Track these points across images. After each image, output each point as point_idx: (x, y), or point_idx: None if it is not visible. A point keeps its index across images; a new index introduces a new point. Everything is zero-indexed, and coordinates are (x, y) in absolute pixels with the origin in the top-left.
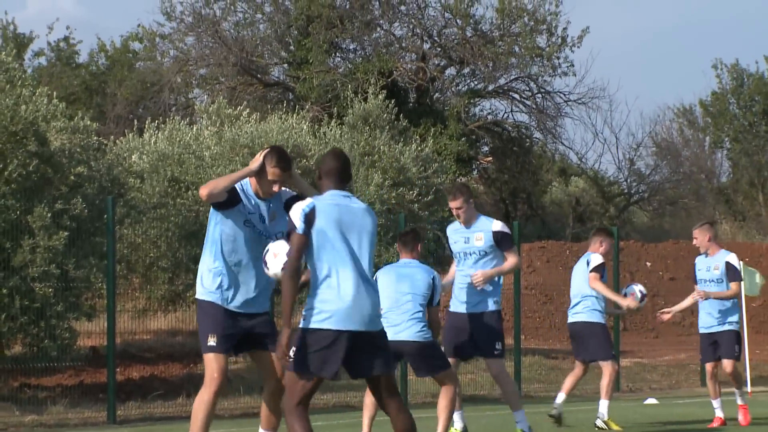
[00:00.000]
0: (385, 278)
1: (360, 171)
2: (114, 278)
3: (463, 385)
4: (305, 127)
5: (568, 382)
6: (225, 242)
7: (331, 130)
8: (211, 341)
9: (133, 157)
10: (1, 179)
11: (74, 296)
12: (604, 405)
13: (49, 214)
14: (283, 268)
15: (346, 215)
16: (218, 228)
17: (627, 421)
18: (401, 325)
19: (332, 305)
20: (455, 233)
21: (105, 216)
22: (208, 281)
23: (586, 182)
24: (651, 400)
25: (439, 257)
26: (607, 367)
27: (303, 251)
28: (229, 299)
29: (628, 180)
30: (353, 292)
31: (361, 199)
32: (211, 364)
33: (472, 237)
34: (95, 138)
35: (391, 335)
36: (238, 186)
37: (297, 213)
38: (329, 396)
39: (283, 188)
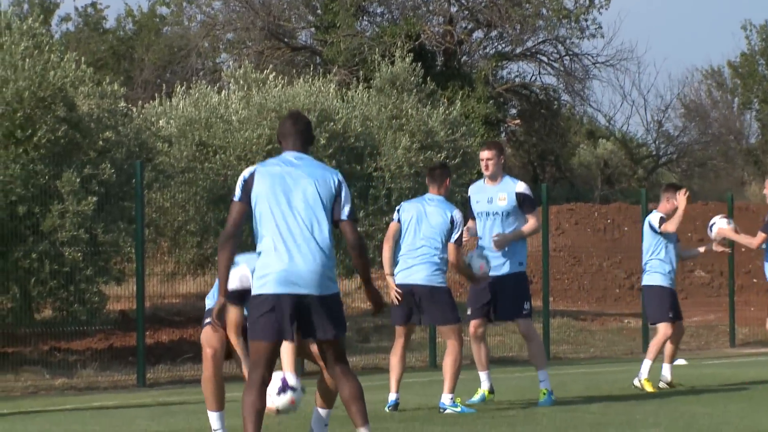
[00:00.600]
0: (406, 215)
1: (388, 134)
2: (143, 242)
3: (491, 347)
4: (332, 90)
5: (666, 349)
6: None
7: (358, 94)
8: (206, 319)
9: (160, 121)
10: (29, 145)
11: (103, 260)
12: (646, 365)
13: (77, 179)
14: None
15: (289, 177)
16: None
17: (653, 380)
18: (414, 267)
19: (270, 269)
20: (478, 192)
21: (133, 180)
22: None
23: (614, 144)
24: (680, 361)
25: (466, 219)
26: (658, 329)
27: (240, 219)
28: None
29: (657, 142)
30: (291, 255)
31: (386, 161)
32: (204, 336)
33: (495, 197)
34: (123, 103)
35: (405, 277)
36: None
37: (239, 180)
38: (358, 358)
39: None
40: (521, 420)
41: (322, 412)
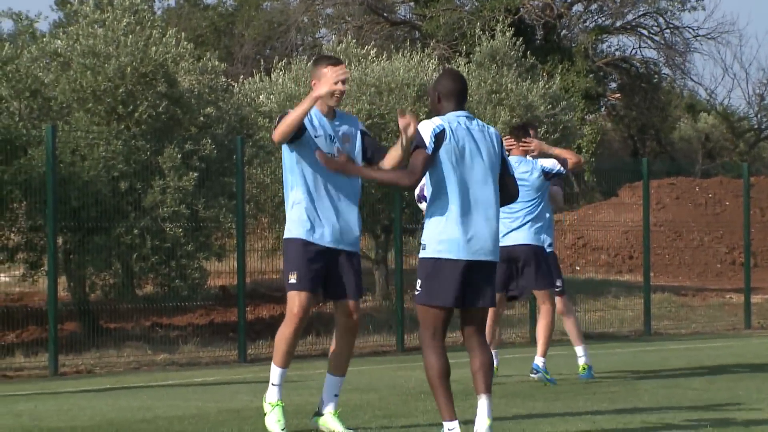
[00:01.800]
0: None
1: (488, 109)
2: (243, 218)
3: (592, 321)
4: (432, 65)
5: None
6: (304, 174)
7: (458, 68)
8: (292, 278)
9: (260, 97)
10: (131, 120)
11: (204, 236)
12: None
13: (179, 155)
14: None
15: (471, 140)
16: (293, 161)
17: (756, 356)
18: (515, 230)
19: (454, 234)
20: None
21: (234, 156)
22: (293, 217)
23: (715, 118)
24: None
25: (567, 195)
26: None
27: (427, 170)
28: (314, 233)
29: (759, 115)
30: (476, 220)
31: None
32: (292, 300)
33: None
34: (223, 79)
35: (505, 241)
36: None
37: (427, 131)
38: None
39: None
40: (622, 396)
41: (333, 379)
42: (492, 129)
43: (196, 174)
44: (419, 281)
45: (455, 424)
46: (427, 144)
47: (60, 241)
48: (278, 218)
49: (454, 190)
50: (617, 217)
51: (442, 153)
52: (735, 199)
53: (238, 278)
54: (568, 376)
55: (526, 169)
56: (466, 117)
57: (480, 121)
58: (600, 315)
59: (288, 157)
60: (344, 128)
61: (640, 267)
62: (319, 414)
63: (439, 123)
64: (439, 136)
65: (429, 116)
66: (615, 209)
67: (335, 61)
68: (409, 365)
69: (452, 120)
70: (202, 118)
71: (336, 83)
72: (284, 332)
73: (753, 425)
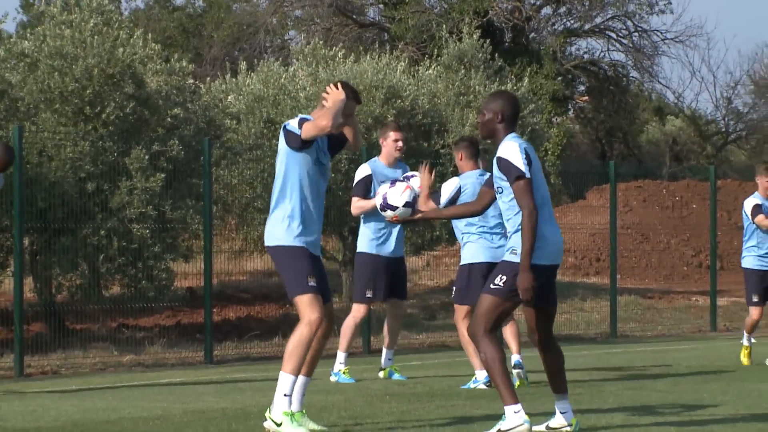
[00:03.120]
0: None
1: (455, 111)
2: (210, 219)
3: (559, 324)
4: (400, 67)
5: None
6: (304, 183)
7: (426, 71)
8: (312, 282)
9: (228, 98)
10: (98, 121)
11: (171, 237)
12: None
13: (146, 156)
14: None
15: (535, 154)
16: (297, 169)
17: (721, 358)
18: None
19: (549, 240)
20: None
21: (201, 157)
22: (293, 225)
23: (683, 121)
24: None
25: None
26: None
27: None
28: (308, 241)
29: (726, 119)
30: (555, 227)
31: (453, 138)
32: (314, 303)
33: None
34: (191, 80)
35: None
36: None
37: (517, 157)
38: (424, 336)
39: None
40: (588, 398)
41: (301, 379)
42: None
43: (163, 175)
44: (504, 278)
45: (519, 406)
46: (524, 170)
47: (26, 242)
48: (245, 219)
49: (544, 203)
50: (584, 219)
51: (534, 170)
52: (702, 202)
53: (205, 279)
54: (534, 377)
55: None
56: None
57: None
58: (566, 317)
59: (289, 164)
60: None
61: (607, 269)
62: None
63: (520, 144)
64: (528, 158)
65: (396, 119)
66: (582, 212)
67: (355, 96)
68: (375, 367)
69: (522, 140)
70: (169, 119)
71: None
72: (302, 336)
73: (716, 427)
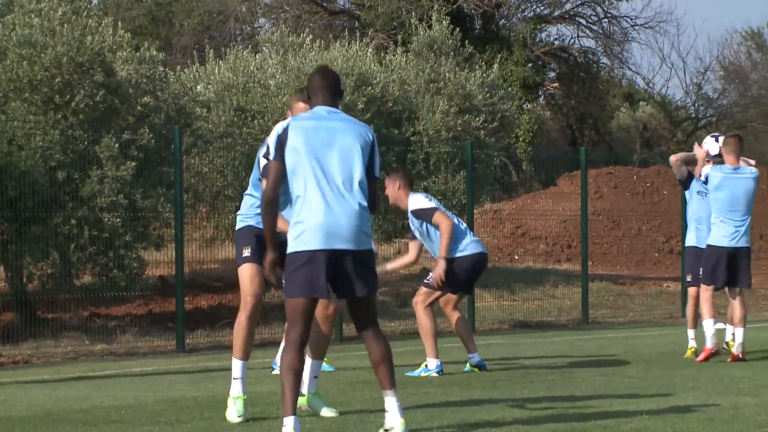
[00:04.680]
0: None
1: (425, 98)
2: (181, 208)
3: (530, 311)
4: (370, 54)
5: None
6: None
7: (395, 58)
8: (246, 252)
9: (198, 87)
10: (68, 110)
11: (142, 226)
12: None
13: (116, 145)
14: None
15: (324, 131)
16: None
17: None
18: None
19: (306, 225)
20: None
21: (172, 146)
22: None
23: (653, 107)
24: (720, 325)
25: (505, 184)
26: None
27: (280, 179)
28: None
29: (696, 104)
30: (326, 210)
31: (424, 125)
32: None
33: None
34: (161, 68)
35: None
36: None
37: (272, 137)
38: (396, 323)
39: None
40: (559, 384)
41: (311, 362)
42: (362, 127)
43: (134, 164)
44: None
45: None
46: (271, 152)
47: None
48: (216, 208)
49: (307, 181)
50: (556, 206)
51: (290, 150)
52: (672, 188)
53: (177, 268)
54: (506, 364)
55: None
56: (327, 111)
57: (345, 115)
58: (538, 304)
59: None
60: None
61: (579, 256)
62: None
63: (285, 123)
64: (282, 137)
65: (366, 106)
66: (554, 198)
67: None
68: (347, 354)
69: (303, 116)
70: (139, 108)
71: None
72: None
73: (688, 413)
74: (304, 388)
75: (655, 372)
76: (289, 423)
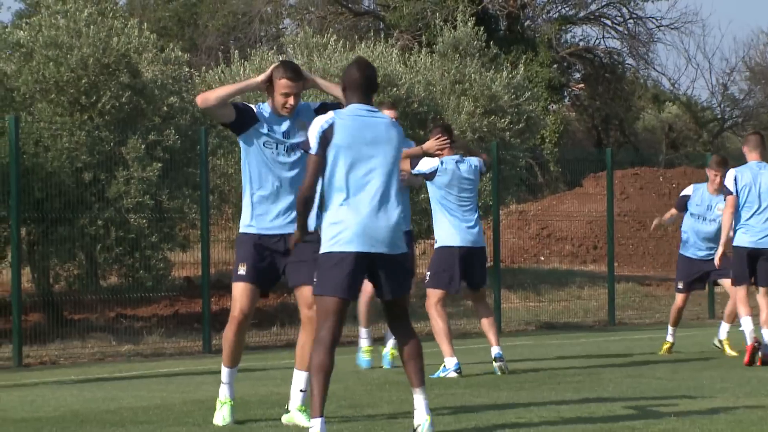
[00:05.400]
0: None
1: (451, 99)
2: (207, 209)
3: (557, 312)
4: (395, 55)
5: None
6: (253, 169)
7: (421, 59)
8: (241, 269)
9: None
10: (94, 111)
11: (168, 227)
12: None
13: (142, 146)
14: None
15: (368, 131)
16: (247, 157)
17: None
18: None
19: (346, 225)
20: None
21: (198, 147)
22: (245, 212)
23: (679, 108)
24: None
25: (531, 185)
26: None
27: (319, 172)
28: (260, 224)
29: (722, 105)
30: (369, 213)
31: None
32: (237, 291)
33: None
34: (187, 69)
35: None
36: (255, 108)
37: (314, 131)
38: (422, 324)
39: (308, 101)
40: (587, 386)
41: (299, 374)
42: (398, 128)
43: (159, 164)
44: (315, 273)
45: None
46: (312, 145)
47: (23, 232)
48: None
49: (349, 180)
50: (581, 207)
51: (334, 147)
52: None
53: (203, 269)
54: (533, 365)
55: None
56: (367, 109)
57: (383, 114)
58: (564, 305)
59: (242, 153)
60: (302, 116)
61: (604, 257)
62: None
63: (329, 117)
64: (327, 133)
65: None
66: (579, 199)
67: (293, 76)
68: (376, 353)
69: (346, 112)
70: (165, 109)
71: (286, 96)
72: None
73: (716, 415)
74: (290, 403)
75: (682, 373)
76: (316, 425)
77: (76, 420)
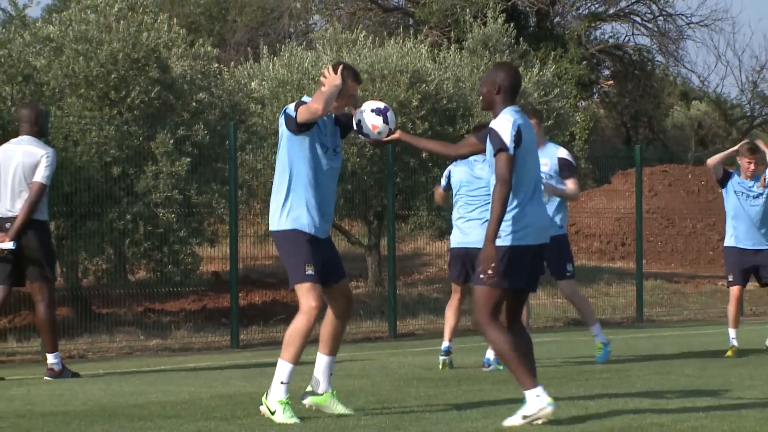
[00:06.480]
0: None
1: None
2: (236, 204)
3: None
4: (424, 52)
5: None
6: (307, 166)
7: (450, 55)
8: (309, 270)
9: (252, 83)
10: (123, 106)
11: (197, 222)
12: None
13: (171, 141)
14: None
15: (531, 133)
16: (297, 153)
17: (748, 343)
18: None
19: (529, 221)
20: None
21: (226, 142)
22: (293, 209)
23: (708, 105)
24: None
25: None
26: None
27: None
28: (316, 225)
29: (752, 103)
30: (543, 209)
31: (479, 123)
32: (311, 292)
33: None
34: (216, 65)
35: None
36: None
37: (506, 131)
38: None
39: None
40: (615, 382)
41: (326, 359)
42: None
43: (188, 159)
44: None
45: (540, 389)
46: (509, 145)
47: (52, 226)
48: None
49: (531, 179)
50: (610, 204)
51: (524, 151)
52: None
53: (231, 264)
54: (561, 362)
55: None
56: (522, 113)
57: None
58: (592, 302)
59: (291, 145)
60: (327, 119)
61: (633, 254)
62: (315, 394)
63: (514, 120)
64: (518, 135)
65: (421, 104)
66: (608, 196)
67: (355, 77)
68: (402, 351)
69: (518, 116)
70: (194, 104)
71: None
72: (301, 325)
73: (745, 411)
74: (321, 387)
75: (710, 371)
76: (538, 391)
77: (104, 414)
